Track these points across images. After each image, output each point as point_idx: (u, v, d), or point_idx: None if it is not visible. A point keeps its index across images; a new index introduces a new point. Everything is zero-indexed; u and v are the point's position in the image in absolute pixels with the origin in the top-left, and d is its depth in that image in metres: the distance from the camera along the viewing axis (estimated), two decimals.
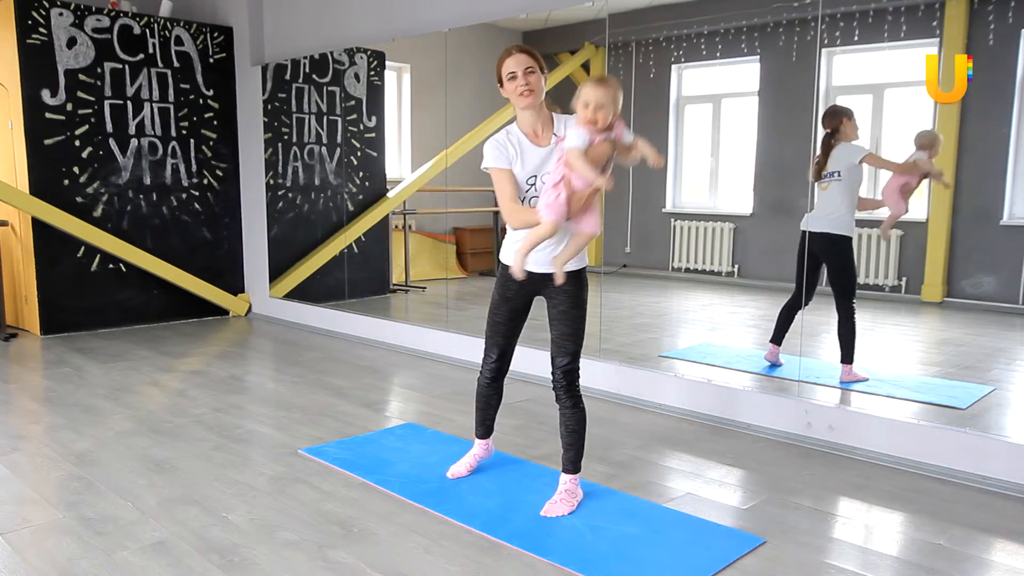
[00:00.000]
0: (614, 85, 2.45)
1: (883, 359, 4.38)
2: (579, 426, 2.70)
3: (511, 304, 2.75)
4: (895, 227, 4.45)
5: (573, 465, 2.73)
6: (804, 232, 4.00)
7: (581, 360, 2.72)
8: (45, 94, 5.49)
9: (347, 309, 5.98)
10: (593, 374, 4.08)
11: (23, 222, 5.62)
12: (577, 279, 2.67)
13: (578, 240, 2.57)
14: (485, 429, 3.01)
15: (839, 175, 3.87)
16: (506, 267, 2.72)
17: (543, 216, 2.48)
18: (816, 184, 3.98)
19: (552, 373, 2.71)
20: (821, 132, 3.95)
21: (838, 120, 3.89)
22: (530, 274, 2.66)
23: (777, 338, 4.16)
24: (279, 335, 5.90)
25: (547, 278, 2.66)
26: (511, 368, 2.94)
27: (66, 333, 5.76)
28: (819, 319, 4.04)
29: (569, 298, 2.65)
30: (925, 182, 3.97)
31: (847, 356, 3.89)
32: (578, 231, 2.56)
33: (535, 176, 2.60)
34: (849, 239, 3.90)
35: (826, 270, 3.97)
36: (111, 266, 5.93)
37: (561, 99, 2.64)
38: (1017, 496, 2.86)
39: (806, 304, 3.99)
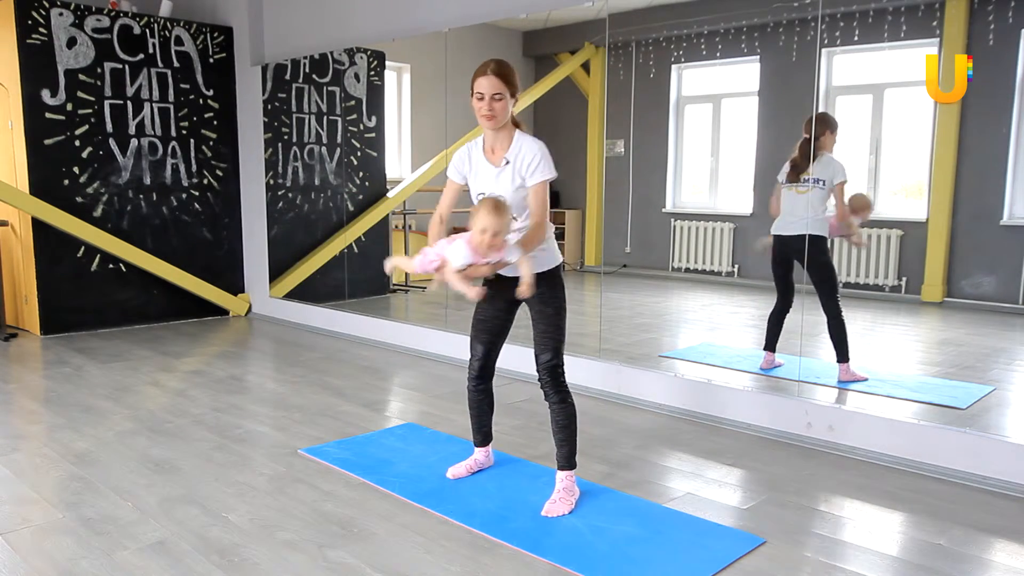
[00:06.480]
0: (508, 211, 2.50)
1: (883, 359, 4.39)
2: (569, 421, 2.71)
3: (493, 303, 2.77)
4: (895, 227, 4.46)
5: (567, 461, 2.74)
6: (778, 237, 4.04)
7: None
8: (45, 94, 5.49)
9: (347, 309, 5.98)
10: (593, 374, 4.07)
11: (23, 222, 5.63)
12: (548, 279, 2.67)
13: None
14: (483, 436, 3.00)
15: (823, 184, 3.92)
16: None
17: (415, 258, 2.63)
18: (791, 186, 4.00)
19: (537, 371, 2.73)
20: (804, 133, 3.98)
21: (823, 129, 3.93)
22: (503, 279, 2.67)
23: (770, 345, 4.18)
24: (279, 335, 5.90)
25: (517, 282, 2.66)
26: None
27: (66, 333, 5.76)
28: (818, 319, 4.04)
29: (541, 297, 2.67)
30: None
31: (842, 355, 3.91)
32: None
33: (483, 194, 2.64)
34: (826, 239, 3.98)
35: (807, 272, 3.98)
36: (111, 266, 5.93)
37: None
38: (1017, 496, 2.86)
39: (790, 305, 4.05)
